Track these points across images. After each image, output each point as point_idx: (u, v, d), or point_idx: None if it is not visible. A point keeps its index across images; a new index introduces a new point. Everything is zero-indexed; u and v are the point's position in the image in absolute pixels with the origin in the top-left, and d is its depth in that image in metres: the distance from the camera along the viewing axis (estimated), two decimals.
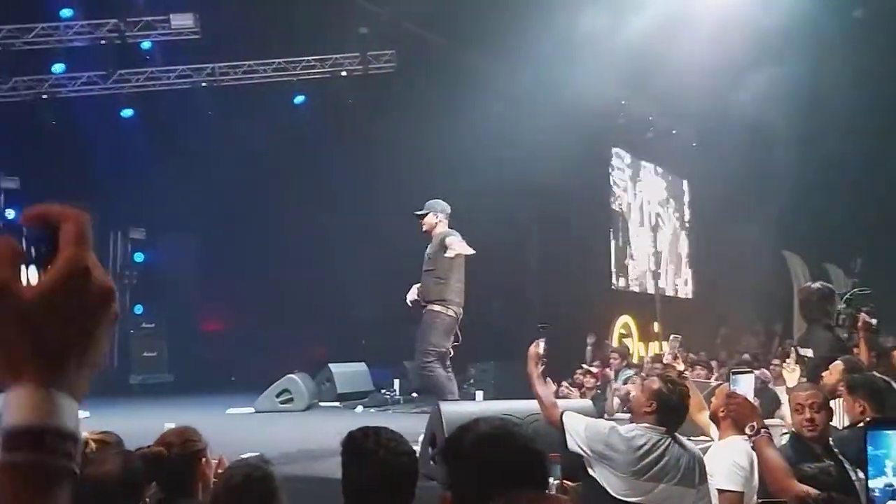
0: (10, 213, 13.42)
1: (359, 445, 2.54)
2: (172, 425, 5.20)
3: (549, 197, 13.18)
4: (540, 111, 12.27)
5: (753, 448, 3.08)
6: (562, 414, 3.82)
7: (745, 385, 3.29)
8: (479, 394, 9.76)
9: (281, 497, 2.63)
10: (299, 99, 13.90)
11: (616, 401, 8.48)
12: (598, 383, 9.35)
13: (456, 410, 5.00)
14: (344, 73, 13.62)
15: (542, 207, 13.57)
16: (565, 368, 9.52)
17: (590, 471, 3.64)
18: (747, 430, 3.06)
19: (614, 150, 17.09)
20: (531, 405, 5.18)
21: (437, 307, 6.55)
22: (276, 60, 13.46)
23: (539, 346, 4.11)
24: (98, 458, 2.61)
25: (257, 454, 2.80)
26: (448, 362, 6.68)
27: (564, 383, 9.18)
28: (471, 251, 6.50)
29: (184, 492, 2.85)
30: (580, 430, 3.70)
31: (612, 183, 17.15)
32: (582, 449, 3.65)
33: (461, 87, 11.85)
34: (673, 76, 11.63)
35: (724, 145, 15.74)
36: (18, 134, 12.64)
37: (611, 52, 10.98)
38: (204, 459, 2.93)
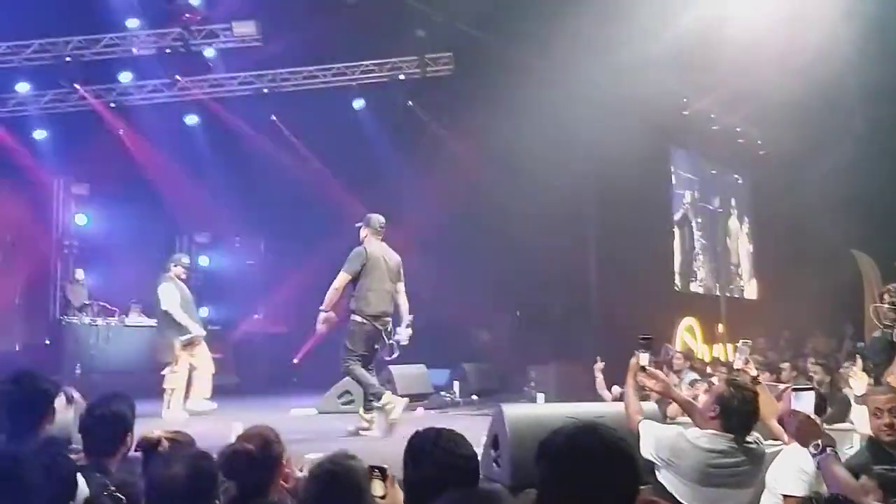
0: (83, 219, 13.88)
1: (418, 444, 2.62)
2: (239, 425, 5.28)
3: (609, 196, 13.03)
4: (599, 109, 12.14)
5: (819, 467, 2.98)
6: (639, 422, 3.88)
7: (805, 402, 3.19)
8: (541, 396, 9.70)
9: (366, 491, 2.64)
10: (359, 103, 14.02)
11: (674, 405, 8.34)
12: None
13: (519, 413, 4.97)
14: (402, 77, 13.71)
15: (602, 207, 13.42)
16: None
17: (658, 475, 3.64)
18: (811, 449, 2.97)
19: (676, 148, 16.81)
20: (595, 408, 5.16)
21: (351, 316, 7.23)
22: (336, 66, 13.62)
23: (640, 358, 4.09)
24: (167, 458, 2.64)
25: (342, 450, 2.78)
26: (371, 364, 7.39)
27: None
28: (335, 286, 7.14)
29: (259, 493, 2.85)
30: (651, 436, 3.76)
31: (674, 182, 16.87)
32: (652, 455, 3.70)
33: (519, 87, 11.80)
34: (737, 73, 11.38)
35: (788, 143, 15.35)
36: (88, 142, 13.03)
37: (672, 48, 10.80)
38: (283, 461, 2.94)
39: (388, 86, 13.77)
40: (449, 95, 13.22)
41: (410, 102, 14.02)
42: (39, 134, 13.36)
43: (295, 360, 14.72)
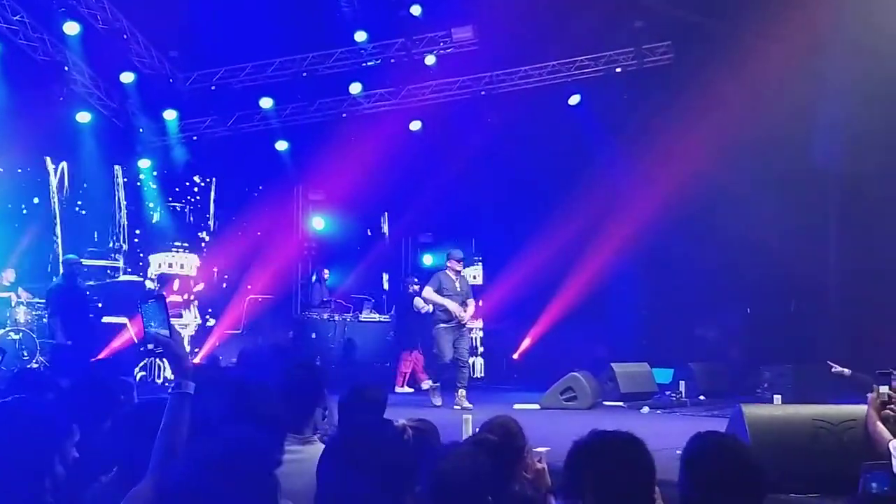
0: (320, 223, 14.98)
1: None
2: (469, 417, 5.46)
3: (850, 183, 11.94)
4: (833, 90, 11.19)
5: None
6: (889, 441, 3.77)
7: None
8: (777, 398, 9.17)
9: None
10: (574, 99, 13.95)
11: None
12: None
13: (760, 413, 4.74)
14: (619, 70, 13.49)
15: (843, 195, 12.30)
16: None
17: None
18: None
19: None
20: (843, 411, 4.81)
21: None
22: (551, 63, 13.65)
23: (878, 392, 3.98)
24: (453, 453, 2.77)
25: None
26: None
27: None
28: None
29: (502, 482, 2.93)
30: None
31: None
32: None
33: (744, 74, 11.18)
34: None
35: None
36: (322, 151, 14.01)
37: None
38: (525, 452, 3.01)
39: (604, 80, 13.61)
40: (668, 86, 12.80)
41: (626, 96, 13.74)
42: (281, 145, 14.55)
43: (514, 356, 14.94)
